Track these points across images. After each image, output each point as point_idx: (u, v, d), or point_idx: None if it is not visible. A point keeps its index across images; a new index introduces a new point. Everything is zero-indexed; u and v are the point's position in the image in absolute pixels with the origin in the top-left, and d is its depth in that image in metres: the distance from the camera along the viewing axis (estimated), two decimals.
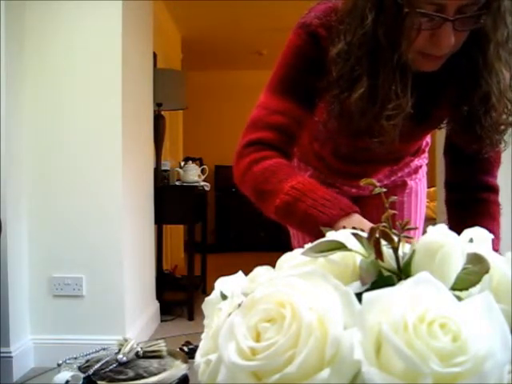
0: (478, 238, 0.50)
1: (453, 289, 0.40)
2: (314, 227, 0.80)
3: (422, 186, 1.34)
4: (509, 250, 0.47)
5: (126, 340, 0.65)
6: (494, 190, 1.08)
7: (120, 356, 0.61)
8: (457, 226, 1.00)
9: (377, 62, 0.83)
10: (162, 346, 0.65)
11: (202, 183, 3.83)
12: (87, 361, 0.64)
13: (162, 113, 3.78)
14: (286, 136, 0.95)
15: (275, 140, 0.94)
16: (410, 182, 1.30)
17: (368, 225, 0.78)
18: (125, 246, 2.66)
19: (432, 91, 0.93)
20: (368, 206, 1.22)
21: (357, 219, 0.80)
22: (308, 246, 0.46)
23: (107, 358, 0.62)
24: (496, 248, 0.97)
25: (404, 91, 0.83)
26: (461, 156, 1.06)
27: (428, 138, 1.29)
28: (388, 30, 0.80)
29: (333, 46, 0.87)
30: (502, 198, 1.07)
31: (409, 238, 0.45)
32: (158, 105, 3.63)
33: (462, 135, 0.96)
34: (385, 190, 0.49)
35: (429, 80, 0.90)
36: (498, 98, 0.86)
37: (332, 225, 0.78)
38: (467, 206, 1.07)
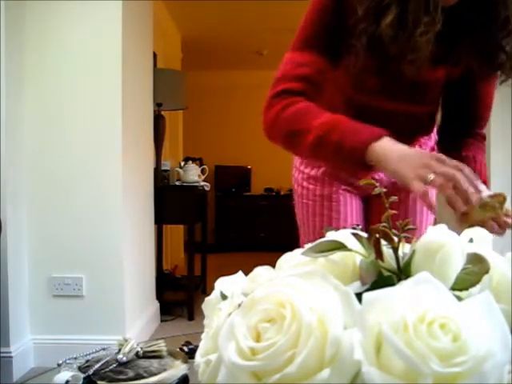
0: (477, 238, 0.50)
1: (453, 289, 0.40)
2: (348, 154, 0.90)
3: None
4: (509, 250, 0.47)
5: (126, 340, 0.65)
6: (483, 137, 1.21)
7: (120, 356, 0.61)
8: (449, 151, 1.02)
9: None
10: (161, 346, 0.65)
11: (202, 183, 3.83)
12: (87, 361, 0.63)
13: (162, 113, 3.77)
14: (312, 85, 1.03)
15: (302, 88, 1.02)
16: None
17: (400, 146, 0.88)
18: (125, 246, 2.66)
19: (451, 30, 0.97)
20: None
21: (387, 142, 0.87)
22: (308, 245, 0.46)
23: (107, 358, 0.62)
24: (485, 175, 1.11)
25: (436, 8, 0.88)
26: (456, 112, 1.19)
27: (435, 135, 1.30)
28: None
29: None
30: None
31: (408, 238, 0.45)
32: (158, 105, 3.63)
33: (483, 70, 1.02)
34: (385, 189, 0.49)
35: (448, 18, 0.93)
36: None
37: (365, 149, 0.86)
38: (458, 142, 1.18)
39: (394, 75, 1.04)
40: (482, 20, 0.95)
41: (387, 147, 0.87)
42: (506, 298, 0.41)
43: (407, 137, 1.23)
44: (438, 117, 1.26)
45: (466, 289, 0.41)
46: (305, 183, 1.28)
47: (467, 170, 0.80)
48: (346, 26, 0.97)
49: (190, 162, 3.91)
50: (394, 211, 0.45)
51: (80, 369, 0.61)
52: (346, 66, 1.05)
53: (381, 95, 1.11)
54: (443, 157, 0.84)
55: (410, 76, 0.97)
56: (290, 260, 0.48)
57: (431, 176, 0.79)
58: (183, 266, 4.50)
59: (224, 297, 0.50)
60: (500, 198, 0.81)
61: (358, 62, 0.99)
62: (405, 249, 0.44)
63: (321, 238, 0.47)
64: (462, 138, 1.18)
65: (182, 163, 3.87)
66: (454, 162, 0.83)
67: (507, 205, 0.82)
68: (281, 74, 1.05)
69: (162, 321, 3.43)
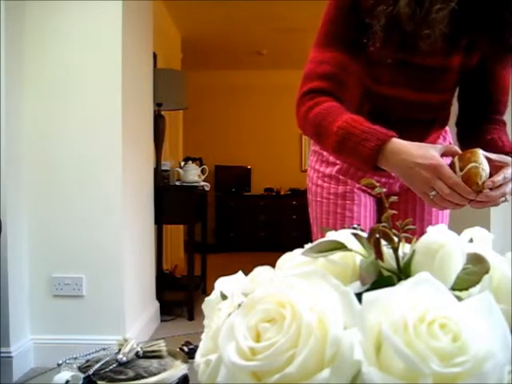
0: (477, 238, 0.50)
1: (453, 289, 0.40)
2: (365, 160, 0.97)
3: None
4: (509, 250, 0.47)
5: (125, 340, 0.65)
6: (504, 123, 1.21)
7: (120, 356, 0.61)
8: (471, 138, 1.08)
9: None
10: (162, 346, 0.65)
11: (202, 183, 3.83)
12: (87, 361, 0.64)
13: (162, 113, 3.77)
14: (335, 82, 1.08)
15: (325, 87, 1.08)
16: None
17: (407, 144, 0.94)
18: (125, 246, 2.66)
19: (464, 11, 0.98)
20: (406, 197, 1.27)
21: (392, 146, 0.94)
22: (308, 246, 0.46)
23: (107, 358, 0.62)
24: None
25: None
26: (474, 98, 1.21)
27: (449, 137, 1.30)
28: None
29: None
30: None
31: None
32: (158, 105, 3.63)
33: (495, 52, 1.05)
34: (384, 189, 0.49)
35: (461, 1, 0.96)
36: None
37: (376, 155, 0.95)
38: (479, 128, 1.18)
39: (410, 61, 1.06)
40: (495, 2, 0.96)
41: (390, 160, 0.95)
42: (506, 298, 0.41)
43: (423, 130, 1.24)
44: (455, 109, 1.26)
45: (466, 289, 0.41)
46: (319, 181, 1.29)
47: (453, 181, 0.89)
48: (363, 12, 1.00)
49: (190, 162, 3.90)
50: (393, 211, 0.45)
51: (80, 369, 0.61)
52: (364, 57, 1.08)
53: (397, 85, 1.12)
54: (438, 166, 0.90)
55: (424, 50, 0.99)
56: (290, 260, 0.48)
57: (433, 193, 0.90)
58: (183, 266, 4.50)
59: (224, 297, 0.50)
60: (473, 168, 0.91)
61: (376, 41, 1.01)
62: (405, 249, 0.44)
63: None
64: (483, 124, 1.18)
65: (182, 163, 3.87)
66: (447, 174, 0.89)
67: (481, 164, 0.91)
68: (306, 73, 1.11)
69: (162, 321, 3.43)
